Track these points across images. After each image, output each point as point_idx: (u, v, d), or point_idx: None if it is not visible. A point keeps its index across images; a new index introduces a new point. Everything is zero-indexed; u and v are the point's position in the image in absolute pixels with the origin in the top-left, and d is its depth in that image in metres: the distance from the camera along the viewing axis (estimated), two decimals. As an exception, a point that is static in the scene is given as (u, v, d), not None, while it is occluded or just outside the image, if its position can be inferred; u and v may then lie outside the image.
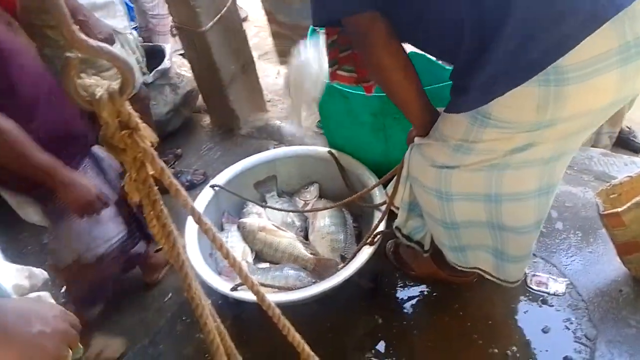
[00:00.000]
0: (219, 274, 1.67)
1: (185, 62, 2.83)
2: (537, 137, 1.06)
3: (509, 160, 1.13)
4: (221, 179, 1.87)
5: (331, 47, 1.47)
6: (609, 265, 1.61)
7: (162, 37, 3.13)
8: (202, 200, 1.80)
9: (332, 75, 1.51)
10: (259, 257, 1.77)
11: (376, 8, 1.07)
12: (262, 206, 1.86)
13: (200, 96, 2.91)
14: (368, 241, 1.56)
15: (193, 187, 2.58)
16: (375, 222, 1.62)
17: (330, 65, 1.50)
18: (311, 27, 1.71)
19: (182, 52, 2.83)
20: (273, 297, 1.46)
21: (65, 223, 1.45)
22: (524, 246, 1.33)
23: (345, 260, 1.66)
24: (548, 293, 1.59)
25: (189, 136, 2.93)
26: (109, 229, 1.52)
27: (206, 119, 3.02)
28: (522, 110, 1.01)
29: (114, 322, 1.85)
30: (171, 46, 2.82)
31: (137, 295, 1.95)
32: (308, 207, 1.89)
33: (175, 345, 1.70)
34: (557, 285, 1.60)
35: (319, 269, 1.67)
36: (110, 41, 1.72)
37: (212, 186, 1.84)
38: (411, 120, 1.28)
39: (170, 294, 1.91)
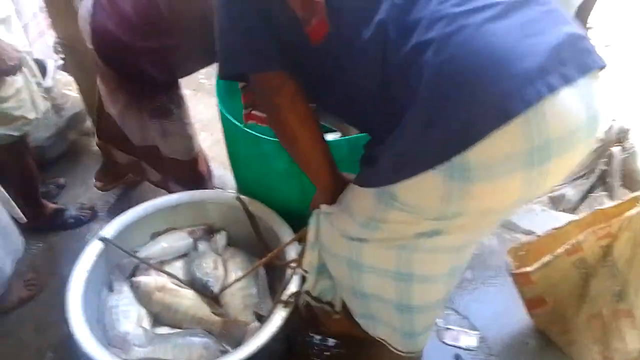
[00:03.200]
0: (109, 344, 1.44)
1: (72, 79, 2.51)
2: (443, 226, 1.03)
3: (417, 244, 1.10)
4: (110, 230, 1.63)
5: (244, 91, 1.36)
6: (516, 316, 1.65)
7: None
8: (90, 255, 1.56)
9: (247, 117, 1.42)
10: (158, 320, 1.56)
11: (285, 68, 1.01)
12: (156, 268, 1.64)
13: (88, 119, 2.60)
14: (281, 301, 1.44)
15: (79, 225, 2.27)
16: (287, 277, 1.51)
17: (245, 107, 1.39)
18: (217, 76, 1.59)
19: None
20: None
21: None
22: (429, 321, 1.32)
23: (260, 317, 1.54)
24: (461, 347, 1.59)
25: (75, 163, 2.59)
26: None
27: (94, 144, 2.70)
28: (427, 198, 0.96)
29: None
30: (54, 62, 2.47)
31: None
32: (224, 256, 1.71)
33: None
34: (469, 339, 1.60)
35: (227, 332, 1.51)
36: (19, 67, 1.45)
37: (101, 239, 1.60)
38: (317, 186, 1.23)
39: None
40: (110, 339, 1.46)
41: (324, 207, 1.24)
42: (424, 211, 0.99)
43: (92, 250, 1.57)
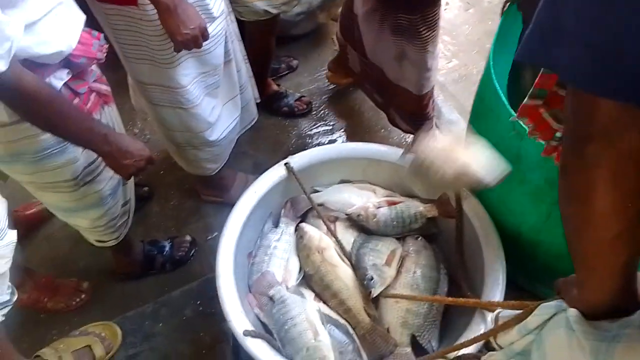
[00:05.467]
0: (249, 289, 1.28)
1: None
2: None
3: None
4: (299, 159, 1.38)
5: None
6: None
7: None
8: (268, 178, 1.35)
9: (528, 111, 0.90)
10: (306, 280, 1.34)
11: None
12: (325, 222, 1.35)
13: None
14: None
15: (291, 116, 2.14)
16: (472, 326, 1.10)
17: (533, 95, 0.86)
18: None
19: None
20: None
21: None
22: None
23: (416, 344, 1.20)
24: None
25: (313, 48, 2.40)
26: None
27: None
28: None
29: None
30: None
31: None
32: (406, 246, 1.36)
33: (174, 331, 1.40)
34: None
35: (371, 341, 1.21)
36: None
37: (287, 165, 1.37)
38: (584, 287, 0.70)
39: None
40: (252, 282, 1.29)
41: (572, 312, 0.75)
42: None
43: (272, 174, 1.36)
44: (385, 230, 1.34)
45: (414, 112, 1.67)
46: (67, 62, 1.02)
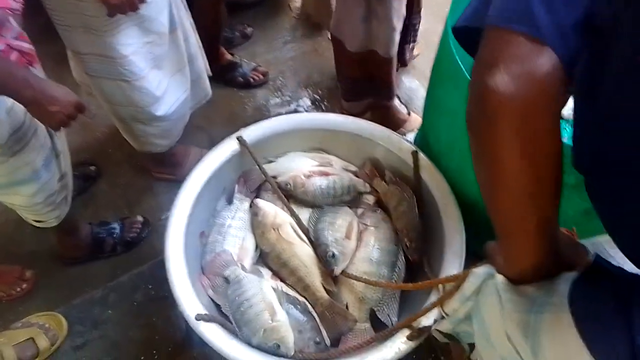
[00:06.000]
0: (202, 270, 1.22)
1: None
2: None
3: None
4: (252, 132, 1.31)
5: None
6: None
7: None
8: (223, 152, 1.28)
9: None
10: (263, 259, 1.28)
11: (563, 52, 0.50)
12: (280, 196, 1.29)
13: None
14: (408, 334, 1.03)
15: (246, 86, 2.05)
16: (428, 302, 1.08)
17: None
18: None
19: None
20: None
21: None
22: None
23: (375, 320, 1.17)
24: None
25: (268, 16, 2.29)
26: None
27: (297, 1, 2.33)
28: None
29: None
30: None
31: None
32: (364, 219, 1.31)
33: (124, 317, 1.33)
34: None
35: (330, 318, 1.17)
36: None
37: (239, 139, 1.29)
38: (502, 252, 0.73)
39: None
40: (205, 263, 1.22)
41: (499, 279, 0.76)
42: None
43: (224, 149, 1.28)
44: (314, 201, 1.31)
45: (381, 79, 1.64)
46: None
